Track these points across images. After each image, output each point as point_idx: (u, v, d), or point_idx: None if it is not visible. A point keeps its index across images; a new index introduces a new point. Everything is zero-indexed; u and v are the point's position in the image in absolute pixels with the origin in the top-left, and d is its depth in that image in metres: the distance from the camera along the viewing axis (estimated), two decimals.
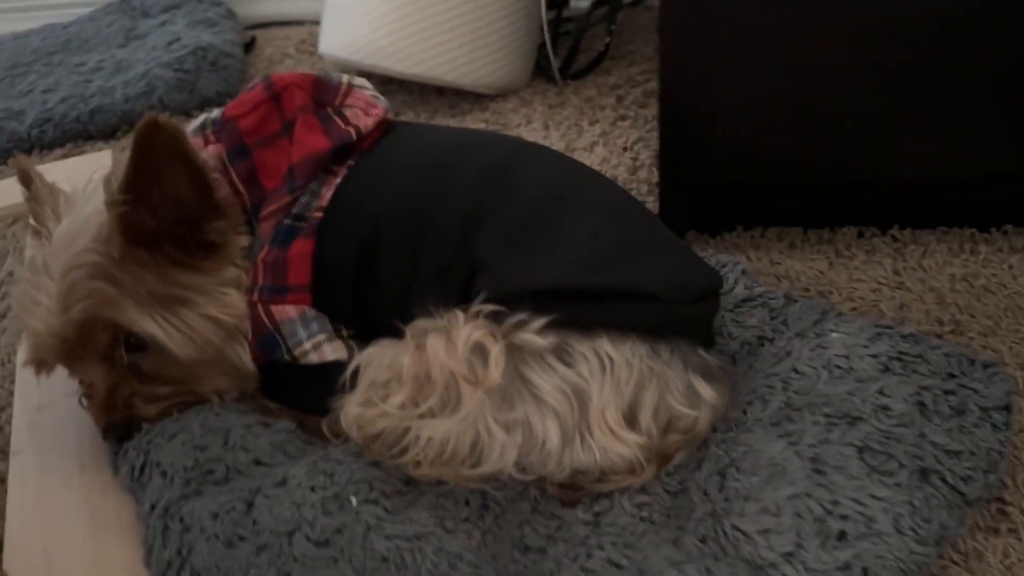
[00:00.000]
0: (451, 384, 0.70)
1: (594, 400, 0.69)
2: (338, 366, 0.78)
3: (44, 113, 1.47)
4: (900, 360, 0.75)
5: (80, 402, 0.83)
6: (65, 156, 1.45)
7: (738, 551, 0.64)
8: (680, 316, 0.71)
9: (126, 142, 1.48)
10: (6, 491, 0.85)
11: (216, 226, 0.77)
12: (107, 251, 0.74)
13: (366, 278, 0.77)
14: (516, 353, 0.69)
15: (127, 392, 0.79)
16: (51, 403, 0.90)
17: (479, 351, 0.69)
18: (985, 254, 1.00)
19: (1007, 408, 0.72)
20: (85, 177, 1.32)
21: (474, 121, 1.43)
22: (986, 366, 0.75)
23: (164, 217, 0.75)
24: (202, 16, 1.71)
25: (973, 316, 0.92)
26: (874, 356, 0.75)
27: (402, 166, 0.79)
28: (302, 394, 0.81)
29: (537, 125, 1.39)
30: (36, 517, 0.79)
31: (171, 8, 1.78)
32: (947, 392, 0.72)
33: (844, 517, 0.64)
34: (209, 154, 0.82)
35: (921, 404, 0.71)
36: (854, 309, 0.95)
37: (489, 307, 0.70)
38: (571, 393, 0.69)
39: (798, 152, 0.98)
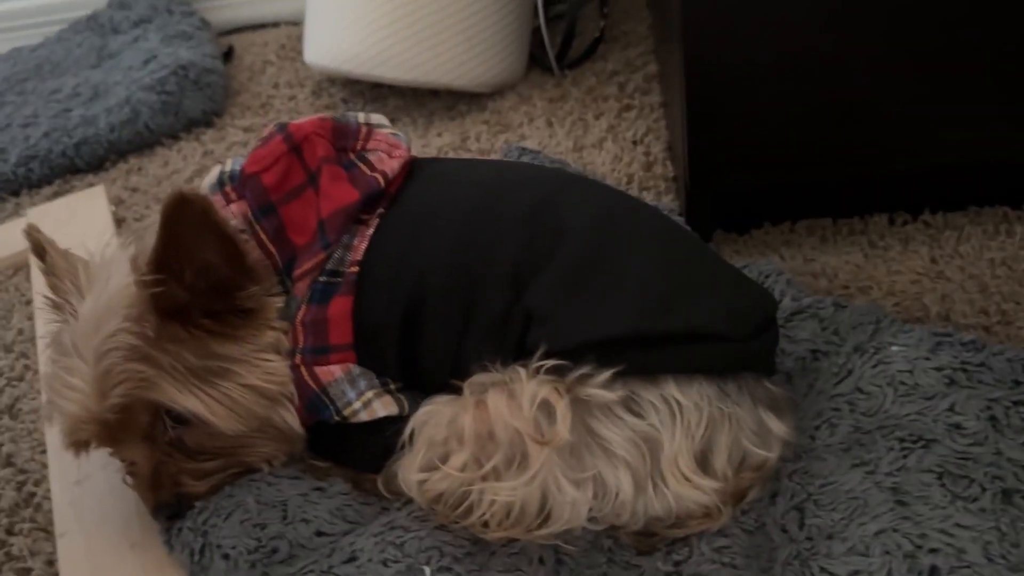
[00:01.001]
0: (515, 442, 0.68)
1: (666, 448, 0.67)
2: (390, 421, 0.76)
3: (28, 150, 1.42)
4: (964, 371, 0.73)
5: (124, 480, 0.80)
6: (56, 194, 1.40)
7: None
8: (745, 352, 0.70)
9: (115, 173, 1.44)
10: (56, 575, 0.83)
11: (250, 292, 0.75)
12: (141, 330, 0.72)
13: (413, 335, 0.75)
14: (583, 407, 0.67)
15: (173, 470, 0.77)
16: (89, 475, 0.88)
17: (544, 407, 0.67)
18: (1021, 234, 0.99)
19: None
20: (83, 216, 1.29)
21: (474, 123, 1.39)
22: None
23: (196, 289, 0.72)
24: (176, 29, 1.65)
25: (1019, 303, 0.91)
26: (938, 369, 0.74)
27: (439, 215, 0.76)
28: (355, 454, 0.79)
29: (540, 123, 1.35)
30: None
31: (142, 22, 1.71)
32: (1016, 403, 0.71)
33: (934, 551, 0.63)
34: (232, 213, 0.78)
35: (993, 419, 0.70)
36: (897, 305, 0.93)
37: (551, 361, 0.67)
38: (642, 443, 0.67)
39: (830, 148, 0.96)
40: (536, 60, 1.50)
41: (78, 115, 1.47)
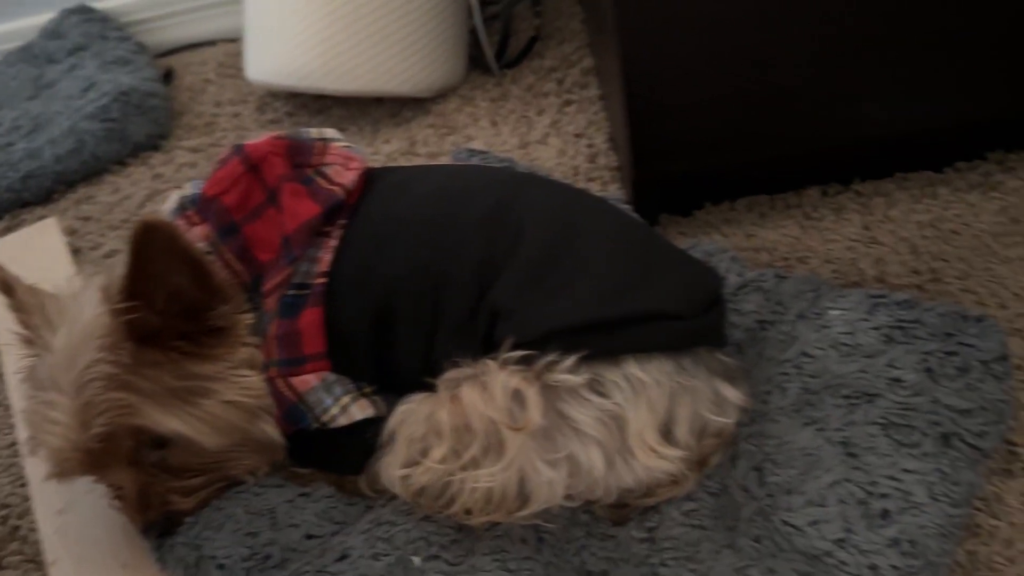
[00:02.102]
0: (491, 432, 0.72)
1: (632, 424, 0.72)
2: (368, 423, 0.79)
3: None
4: (900, 328, 0.79)
5: (111, 504, 0.82)
6: (7, 228, 1.39)
7: (792, 545, 0.68)
8: (697, 328, 0.74)
9: (65, 204, 1.44)
10: None
11: (220, 311, 0.77)
12: (117, 359, 0.73)
13: (385, 339, 0.78)
14: (552, 392, 0.71)
15: (160, 490, 0.79)
16: (73, 503, 0.89)
17: (516, 396, 0.71)
18: (944, 196, 1.05)
19: (1004, 357, 0.77)
20: (37, 249, 1.29)
21: (420, 127, 1.42)
22: (978, 320, 0.79)
23: (168, 313, 0.74)
24: (112, 55, 1.64)
25: (947, 261, 0.97)
26: (876, 328, 0.79)
27: (401, 223, 0.79)
28: (336, 457, 0.82)
29: (485, 123, 1.39)
30: None
31: (77, 50, 1.70)
32: (949, 353, 0.77)
33: (884, 496, 0.68)
34: (196, 236, 0.81)
35: (928, 370, 0.75)
36: (835, 271, 0.99)
37: (519, 352, 0.71)
38: (609, 421, 0.72)
39: (763, 131, 1.01)
40: (475, 62, 1.53)
41: (22, 148, 1.47)
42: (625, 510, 0.76)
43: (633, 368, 0.72)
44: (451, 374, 0.74)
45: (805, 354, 0.80)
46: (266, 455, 0.82)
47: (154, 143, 1.52)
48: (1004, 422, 0.75)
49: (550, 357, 0.71)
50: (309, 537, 0.77)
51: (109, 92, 1.52)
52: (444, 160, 1.32)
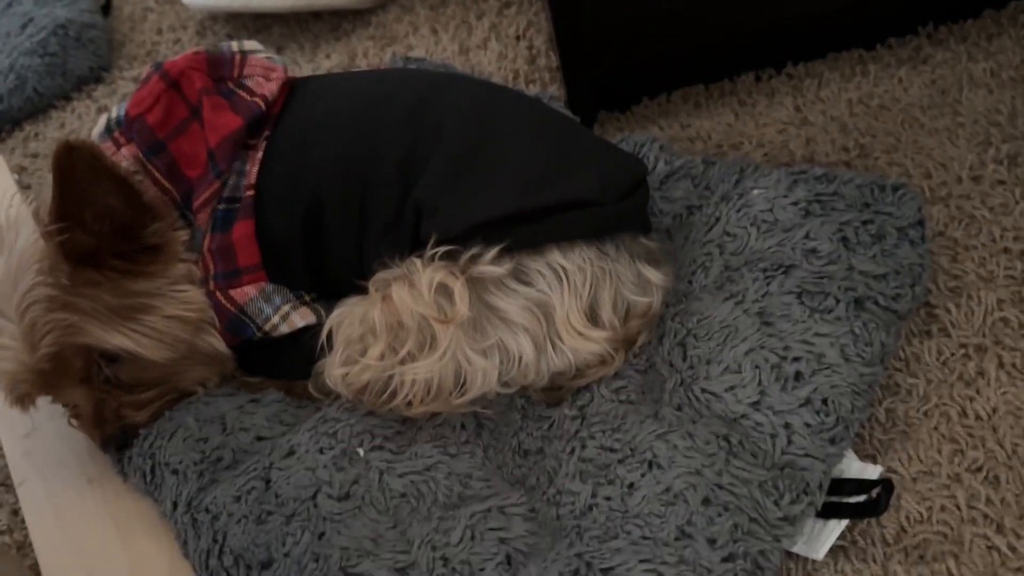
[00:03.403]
0: (423, 326, 0.74)
1: (557, 309, 0.74)
2: (309, 330, 0.81)
3: None
4: (818, 202, 0.81)
5: (70, 423, 0.85)
6: None
7: (711, 410, 0.71)
8: (618, 213, 0.76)
9: (13, 143, 1.43)
10: (22, 522, 0.88)
11: (153, 229, 0.78)
12: (56, 281, 0.75)
13: (316, 246, 0.80)
14: (478, 284, 0.74)
15: (114, 405, 0.81)
16: (38, 427, 0.92)
17: (443, 291, 0.73)
18: (875, 72, 1.06)
19: (921, 223, 0.79)
20: None
21: (360, 40, 1.41)
22: (895, 188, 0.81)
23: (101, 233, 0.76)
24: None
25: (875, 136, 0.99)
26: (794, 204, 0.81)
27: (324, 127, 0.80)
28: (283, 364, 0.85)
29: (425, 31, 1.38)
30: (64, 539, 0.83)
31: None
32: (865, 222, 0.79)
33: (797, 359, 0.71)
34: (124, 156, 0.82)
35: (844, 239, 0.78)
36: (766, 155, 1.01)
37: (443, 248, 0.73)
38: (535, 308, 0.74)
39: (689, 16, 1.01)
40: None
41: None
42: (559, 392, 0.79)
43: (555, 256, 0.74)
44: (381, 275, 0.76)
45: (727, 233, 0.82)
46: (214, 367, 0.84)
47: (96, 75, 1.51)
48: (920, 285, 0.78)
49: (473, 250, 0.73)
50: (260, 439, 0.80)
51: (47, 26, 1.50)
52: None
